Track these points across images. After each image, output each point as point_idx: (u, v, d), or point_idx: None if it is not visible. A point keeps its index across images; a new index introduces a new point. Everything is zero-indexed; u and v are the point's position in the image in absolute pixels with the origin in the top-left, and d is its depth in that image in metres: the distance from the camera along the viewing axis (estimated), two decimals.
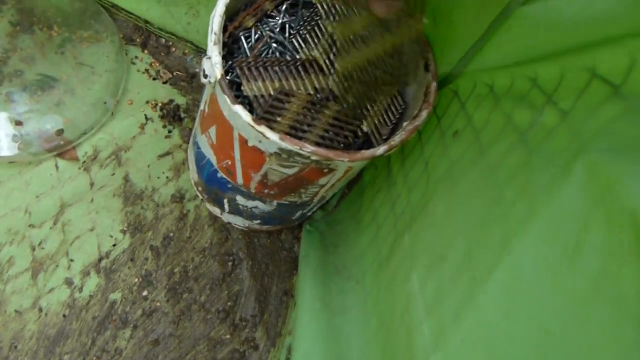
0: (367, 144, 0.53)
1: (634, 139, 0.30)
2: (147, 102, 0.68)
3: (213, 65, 0.45)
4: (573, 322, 0.28)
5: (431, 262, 0.43)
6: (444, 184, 0.48)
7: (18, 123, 0.61)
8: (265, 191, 0.55)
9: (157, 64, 0.71)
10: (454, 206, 0.44)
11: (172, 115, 0.68)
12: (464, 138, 0.49)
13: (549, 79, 0.40)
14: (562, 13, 0.37)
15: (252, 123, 0.44)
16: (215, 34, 0.47)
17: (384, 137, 0.52)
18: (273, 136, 0.44)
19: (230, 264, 0.66)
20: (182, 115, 0.69)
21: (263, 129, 0.44)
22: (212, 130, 0.54)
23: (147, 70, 0.70)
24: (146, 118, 0.68)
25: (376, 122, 0.52)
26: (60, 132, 0.62)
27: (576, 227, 0.30)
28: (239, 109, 0.45)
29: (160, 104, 0.68)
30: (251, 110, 0.48)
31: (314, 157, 0.46)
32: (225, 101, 0.45)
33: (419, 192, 0.52)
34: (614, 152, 0.30)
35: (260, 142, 0.47)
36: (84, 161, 0.64)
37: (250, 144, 0.49)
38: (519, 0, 0.40)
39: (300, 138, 0.48)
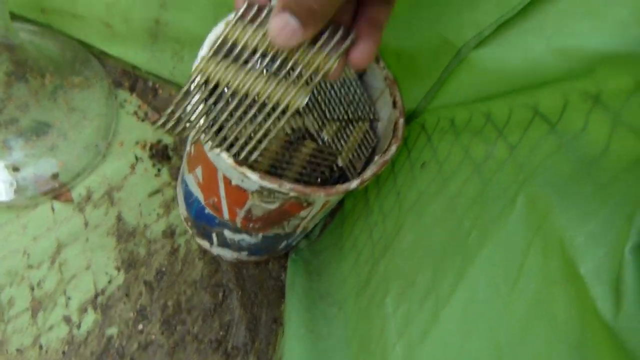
0: (343, 177, 0.56)
1: (565, 174, 0.33)
2: (137, 142, 0.72)
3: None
4: (518, 341, 0.32)
5: (403, 287, 0.47)
6: (412, 213, 0.52)
7: (15, 169, 0.64)
8: (250, 225, 0.59)
9: (145, 106, 0.75)
10: (421, 234, 0.48)
11: (161, 155, 0.72)
12: (430, 169, 0.52)
13: (500, 115, 0.44)
14: (505, 59, 0.41)
15: (233, 165, 0.48)
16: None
17: (358, 171, 0.56)
18: (253, 176, 0.48)
19: (220, 294, 0.69)
20: (170, 154, 0.73)
21: (244, 169, 0.48)
22: (199, 170, 0.58)
23: (135, 112, 0.74)
24: (136, 158, 0.72)
25: (350, 156, 0.56)
26: (55, 175, 0.66)
27: (519, 253, 0.34)
28: (221, 153, 0.48)
29: (149, 144, 0.72)
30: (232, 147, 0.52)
31: (292, 194, 0.49)
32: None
33: (392, 221, 0.56)
34: (549, 186, 0.34)
35: (242, 181, 0.51)
36: (79, 202, 0.68)
37: (233, 183, 0.52)
38: (469, 46, 0.44)
39: (280, 176, 0.52)
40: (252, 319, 0.69)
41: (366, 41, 0.34)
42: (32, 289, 0.63)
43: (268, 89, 0.37)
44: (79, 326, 0.63)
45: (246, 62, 0.38)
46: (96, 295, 0.65)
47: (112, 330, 0.64)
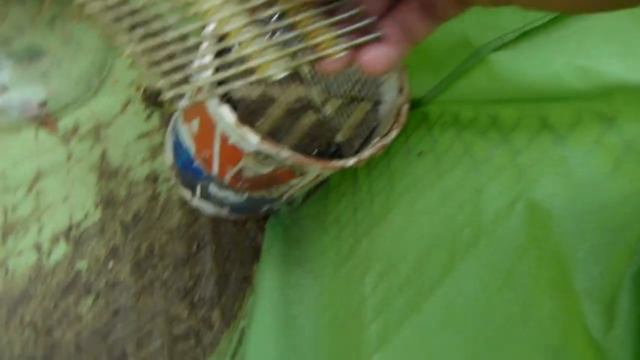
0: (338, 152, 0.57)
1: (569, 188, 0.35)
2: (131, 83, 0.71)
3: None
4: (499, 340, 0.33)
5: (384, 269, 0.48)
6: (404, 199, 0.53)
7: (3, 89, 0.63)
8: (239, 184, 0.59)
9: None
10: (410, 221, 0.49)
11: (154, 99, 0.71)
12: (427, 159, 0.53)
13: (508, 120, 0.45)
14: (523, 67, 0.42)
15: (235, 124, 0.48)
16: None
17: (355, 149, 0.56)
18: (253, 139, 0.48)
19: (195, 246, 0.69)
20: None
21: (245, 131, 0.48)
22: (195, 122, 0.57)
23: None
24: (129, 99, 0.70)
25: (349, 134, 0.57)
26: (43, 103, 0.64)
27: (512, 257, 0.35)
28: (224, 110, 0.48)
29: (143, 87, 0.71)
30: (234, 108, 0.52)
31: (289, 162, 0.50)
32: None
33: (381, 202, 0.57)
34: (551, 198, 0.35)
35: (240, 141, 0.51)
36: (64, 134, 0.66)
37: (230, 141, 0.52)
38: (489, 47, 0.45)
39: (278, 141, 0.52)
40: (222, 274, 0.70)
41: (390, 47, 0.26)
42: (6, 212, 0.62)
43: (249, 45, 0.28)
44: (48, 256, 0.63)
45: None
46: (70, 228, 0.64)
47: (82, 265, 0.64)
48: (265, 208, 0.68)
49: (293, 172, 0.55)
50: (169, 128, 0.69)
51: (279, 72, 0.27)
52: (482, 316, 0.35)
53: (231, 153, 0.54)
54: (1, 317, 0.59)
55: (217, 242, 0.70)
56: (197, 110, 0.56)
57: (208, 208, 0.69)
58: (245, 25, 0.27)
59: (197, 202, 0.69)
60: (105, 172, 0.67)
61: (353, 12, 0.26)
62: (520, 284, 0.34)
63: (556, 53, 0.40)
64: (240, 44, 0.28)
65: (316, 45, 0.26)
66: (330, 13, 0.26)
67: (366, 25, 0.26)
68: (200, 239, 0.70)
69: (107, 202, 0.66)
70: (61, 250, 0.63)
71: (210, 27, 0.39)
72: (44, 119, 0.65)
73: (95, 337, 0.62)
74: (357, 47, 0.26)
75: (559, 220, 0.33)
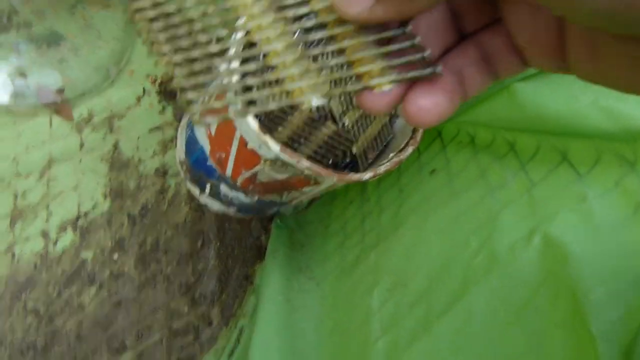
0: (353, 164, 0.57)
1: (589, 228, 0.36)
2: (148, 75, 0.71)
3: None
4: None
5: (393, 285, 0.49)
6: (414, 216, 0.54)
7: (21, 74, 0.62)
8: (251, 187, 0.60)
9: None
10: (421, 239, 0.50)
11: (169, 93, 0.71)
12: (439, 178, 0.54)
13: (526, 149, 0.46)
14: (547, 101, 0.43)
15: (258, 132, 0.48)
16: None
17: (369, 161, 0.57)
18: (275, 147, 0.49)
19: (199, 242, 0.70)
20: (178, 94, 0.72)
21: (267, 139, 0.49)
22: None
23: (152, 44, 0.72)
24: (144, 91, 0.70)
25: (365, 146, 0.57)
26: (60, 90, 0.64)
27: (527, 289, 0.36)
28: (249, 117, 0.48)
29: (160, 80, 0.71)
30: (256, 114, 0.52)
31: (307, 172, 0.50)
32: None
33: (390, 215, 0.58)
34: (570, 235, 0.36)
35: (260, 147, 0.51)
36: (78, 122, 0.66)
37: (249, 146, 0.53)
38: (515, 76, 0.46)
39: (295, 149, 0.52)
40: (224, 271, 0.70)
41: (443, 97, 0.22)
42: (16, 197, 0.62)
43: (289, 66, 0.26)
44: (55, 243, 0.63)
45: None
46: (78, 217, 0.65)
47: (87, 254, 0.64)
48: (273, 210, 0.68)
49: (308, 180, 0.55)
50: (183, 123, 0.69)
51: (316, 99, 0.24)
52: (493, 346, 0.36)
53: (248, 157, 0.55)
54: (5, 301, 0.59)
55: (221, 239, 0.71)
56: (217, 111, 0.56)
57: (215, 206, 0.70)
58: (288, 46, 0.25)
59: (204, 199, 0.70)
60: (116, 163, 0.67)
61: (408, 43, 0.23)
62: (534, 318, 0.35)
63: (582, 90, 0.41)
64: (280, 64, 0.25)
65: (362, 75, 0.23)
66: (382, 42, 0.24)
67: (421, 60, 0.23)
68: (205, 235, 0.70)
69: (116, 194, 0.67)
70: (68, 238, 0.63)
71: (239, 36, 0.39)
72: (60, 106, 0.65)
73: (96, 327, 0.62)
74: (406, 88, 0.23)
75: (576, 259, 0.34)
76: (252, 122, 0.49)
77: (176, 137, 0.71)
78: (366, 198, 0.64)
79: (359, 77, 0.24)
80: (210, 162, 0.61)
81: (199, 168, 0.64)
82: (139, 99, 0.70)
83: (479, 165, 0.50)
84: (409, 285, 0.47)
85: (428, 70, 0.22)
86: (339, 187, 0.74)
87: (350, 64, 0.24)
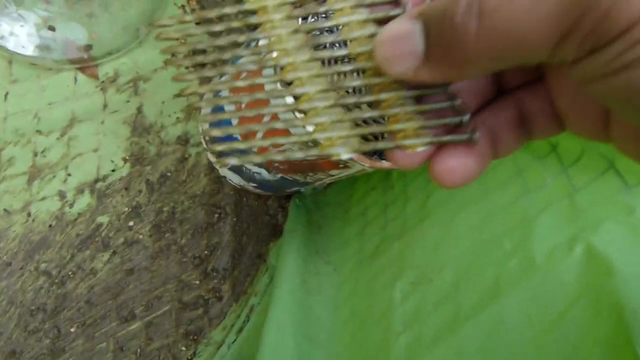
0: (378, 151, 0.56)
1: (633, 240, 0.34)
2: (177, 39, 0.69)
3: None
4: None
5: (417, 279, 0.48)
6: (443, 209, 0.52)
7: (49, 27, 0.61)
8: (276, 164, 0.58)
9: (194, 2, 0.71)
10: (449, 234, 0.49)
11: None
12: None
13: (569, 152, 0.44)
14: None
15: (293, 109, 0.47)
16: None
17: None
18: (309, 127, 0.47)
19: (216, 216, 0.69)
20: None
21: (304, 120, 0.47)
22: (244, 96, 0.56)
23: (183, 7, 0.70)
24: (172, 55, 0.68)
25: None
26: (88, 47, 0.62)
27: (566, 300, 0.35)
28: (289, 98, 0.47)
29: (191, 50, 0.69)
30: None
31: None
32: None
33: (416, 205, 0.56)
34: (614, 248, 0.34)
35: (292, 125, 0.49)
36: (103, 81, 0.65)
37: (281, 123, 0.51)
38: None
39: None
40: (238, 247, 0.69)
41: (473, 159, 0.21)
42: (35, 154, 0.61)
43: (321, 113, 0.24)
44: (71, 205, 0.62)
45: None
46: (96, 180, 0.63)
47: (103, 219, 0.63)
48: (293, 189, 0.67)
49: (337, 163, 0.54)
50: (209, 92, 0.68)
51: (346, 152, 0.23)
52: (524, 355, 0.35)
53: (278, 134, 0.53)
54: (17, 261, 0.58)
55: (237, 214, 0.70)
56: (252, 85, 0.54)
57: (235, 179, 0.68)
58: (322, 91, 0.24)
59: (225, 171, 0.68)
60: (139, 127, 0.66)
61: (447, 104, 0.22)
62: (571, 330, 0.33)
63: None
64: (312, 110, 0.25)
65: (395, 132, 0.22)
66: (420, 99, 0.22)
67: (458, 123, 0.22)
68: (222, 209, 0.69)
69: (136, 159, 0.65)
70: (85, 201, 0.62)
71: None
72: (86, 62, 0.63)
73: (107, 293, 0.61)
74: (442, 144, 0.22)
75: (621, 273, 0.33)
76: (290, 98, 0.47)
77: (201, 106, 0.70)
78: (390, 185, 0.62)
79: (392, 133, 0.23)
80: (237, 135, 0.59)
81: (224, 140, 0.62)
82: (166, 62, 0.68)
83: (515, 162, 0.48)
84: (435, 281, 0.45)
85: (465, 136, 0.21)
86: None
87: (384, 118, 0.23)
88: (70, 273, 0.60)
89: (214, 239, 0.68)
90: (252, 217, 0.71)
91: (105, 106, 0.64)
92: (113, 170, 0.64)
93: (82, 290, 0.61)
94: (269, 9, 0.23)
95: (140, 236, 0.64)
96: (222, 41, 0.25)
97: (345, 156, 0.23)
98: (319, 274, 0.60)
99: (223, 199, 0.70)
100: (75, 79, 0.63)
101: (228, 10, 0.24)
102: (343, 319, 0.53)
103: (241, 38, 0.25)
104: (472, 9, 0.16)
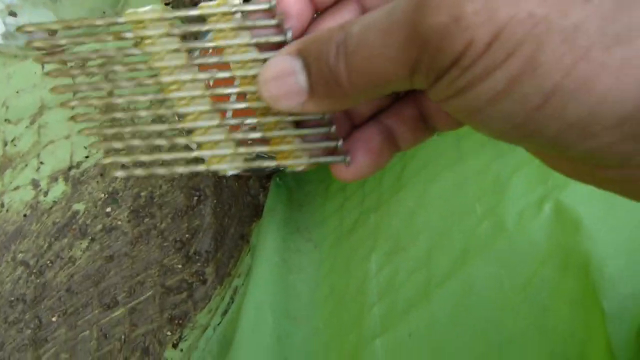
0: None
1: (605, 198, 0.33)
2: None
3: None
4: (511, 345, 0.32)
5: (392, 249, 0.47)
6: (417, 179, 0.51)
7: (11, 13, 0.59)
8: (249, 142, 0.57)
9: None
10: (423, 203, 0.48)
11: None
12: (445, 140, 0.51)
13: None
14: None
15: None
16: None
17: None
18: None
19: (195, 198, 0.68)
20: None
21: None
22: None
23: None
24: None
25: None
26: (53, 32, 0.61)
27: (535, 261, 0.34)
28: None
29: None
30: None
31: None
32: None
33: (392, 177, 0.55)
34: (583, 205, 0.33)
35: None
36: (71, 66, 0.64)
37: None
38: None
39: None
40: (220, 229, 0.69)
41: (365, 153, 0.23)
42: (5, 144, 0.60)
43: (205, 133, 0.25)
44: (46, 194, 0.61)
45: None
46: (70, 167, 0.62)
47: (79, 206, 0.62)
48: (266, 167, 0.66)
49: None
50: None
51: (230, 169, 0.25)
52: (496, 318, 0.34)
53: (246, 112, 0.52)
54: None
55: (217, 196, 0.69)
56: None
57: None
58: (207, 112, 0.24)
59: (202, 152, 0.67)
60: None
61: (324, 130, 0.23)
62: (541, 291, 0.33)
63: None
64: (198, 130, 0.25)
65: (277, 153, 0.24)
66: (299, 123, 0.24)
67: (334, 148, 0.23)
68: (202, 191, 0.68)
69: None
70: (59, 189, 0.61)
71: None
72: (52, 49, 0.62)
73: (87, 281, 0.61)
74: (328, 164, 0.23)
75: (589, 230, 0.32)
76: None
77: None
78: None
79: (272, 154, 0.24)
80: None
81: None
82: (136, 45, 0.67)
83: None
84: (409, 250, 0.45)
85: (340, 158, 0.23)
86: None
87: (266, 140, 0.24)
88: (48, 262, 0.60)
89: (195, 221, 0.68)
90: (233, 198, 0.70)
91: (75, 93, 0.63)
92: (87, 157, 0.63)
93: (62, 278, 0.60)
94: (146, 24, 0.23)
95: (119, 222, 0.64)
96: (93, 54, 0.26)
97: (230, 173, 0.25)
98: (300, 252, 0.59)
99: (202, 181, 0.69)
100: (43, 66, 0.62)
101: (99, 22, 0.23)
102: (323, 296, 0.52)
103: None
104: (340, 51, 0.18)
